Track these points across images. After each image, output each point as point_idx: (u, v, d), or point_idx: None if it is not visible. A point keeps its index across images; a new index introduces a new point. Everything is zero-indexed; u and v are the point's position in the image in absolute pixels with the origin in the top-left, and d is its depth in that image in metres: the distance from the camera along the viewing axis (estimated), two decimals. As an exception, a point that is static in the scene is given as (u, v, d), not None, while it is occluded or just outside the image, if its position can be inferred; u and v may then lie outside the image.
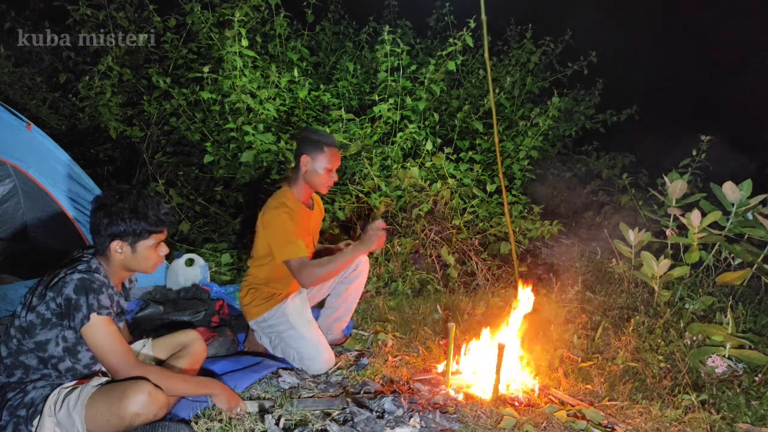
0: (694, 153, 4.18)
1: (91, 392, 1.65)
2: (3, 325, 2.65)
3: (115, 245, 1.76)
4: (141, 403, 1.61)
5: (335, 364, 2.57)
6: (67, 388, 1.70)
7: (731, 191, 3.09)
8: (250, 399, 2.14)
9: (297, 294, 2.63)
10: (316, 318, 2.84)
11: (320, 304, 2.91)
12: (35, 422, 1.64)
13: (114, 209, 1.74)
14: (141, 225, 1.76)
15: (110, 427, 1.61)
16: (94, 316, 1.66)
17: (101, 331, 1.68)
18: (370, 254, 3.75)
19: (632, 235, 3.18)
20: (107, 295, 1.72)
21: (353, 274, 2.73)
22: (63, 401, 1.65)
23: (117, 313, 1.86)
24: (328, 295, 2.84)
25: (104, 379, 1.77)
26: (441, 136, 4.66)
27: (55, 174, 3.09)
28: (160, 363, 2.05)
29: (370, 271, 3.62)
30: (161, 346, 2.08)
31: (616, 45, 6.21)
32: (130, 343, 2.04)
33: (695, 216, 3.03)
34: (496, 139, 2.81)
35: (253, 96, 3.86)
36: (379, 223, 2.38)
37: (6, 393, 1.70)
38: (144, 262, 1.82)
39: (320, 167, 2.45)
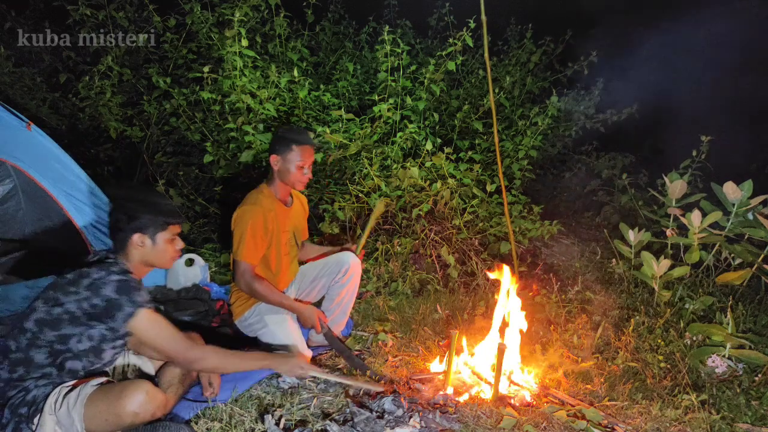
0: (695, 153, 4.19)
1: (90, 391, 1.66)
2: (4, 325, 2.65)
3: (137, 239, 1.86)
4: (139, 402, 1.61)
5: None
6: (67, 387, 1.70)
7: (732, 191, 3.09)
8: (250, 399, 2.14)
9: None
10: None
11: (315, 305, 2.90)
12: (36, 420, 1.64)
13: (132, 204, 1.86)
14: (159, 217, 1.87)
15: (109, 426, 1.62)
16: (141, 310, 1.75)
17: (152, 322, 1.78)
18: (368, 255, 3.75)
19: (632, 235, 3.18)
20: (143, 291, 1.80)
21: (344, 277, 2.70)
22: (63, 400, 1.65)
23: None
24: (323, 297, 2.83)
25: (103, 379, 1.77)
26: (441, 136, 4.65)
27: (55, 174, 3.09)
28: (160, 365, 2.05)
29: (370, 271, 3.63)
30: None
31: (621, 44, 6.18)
32: None
33: (696, 216, 3.03)
34: (496, 139, 2.81)
35: (253, 96, 3.86)
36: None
37: (8, 391, 1.70)
38: (162, 255, 1.91)
39: (291, 165, 2.48)
